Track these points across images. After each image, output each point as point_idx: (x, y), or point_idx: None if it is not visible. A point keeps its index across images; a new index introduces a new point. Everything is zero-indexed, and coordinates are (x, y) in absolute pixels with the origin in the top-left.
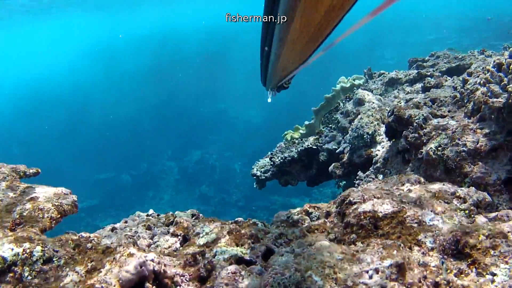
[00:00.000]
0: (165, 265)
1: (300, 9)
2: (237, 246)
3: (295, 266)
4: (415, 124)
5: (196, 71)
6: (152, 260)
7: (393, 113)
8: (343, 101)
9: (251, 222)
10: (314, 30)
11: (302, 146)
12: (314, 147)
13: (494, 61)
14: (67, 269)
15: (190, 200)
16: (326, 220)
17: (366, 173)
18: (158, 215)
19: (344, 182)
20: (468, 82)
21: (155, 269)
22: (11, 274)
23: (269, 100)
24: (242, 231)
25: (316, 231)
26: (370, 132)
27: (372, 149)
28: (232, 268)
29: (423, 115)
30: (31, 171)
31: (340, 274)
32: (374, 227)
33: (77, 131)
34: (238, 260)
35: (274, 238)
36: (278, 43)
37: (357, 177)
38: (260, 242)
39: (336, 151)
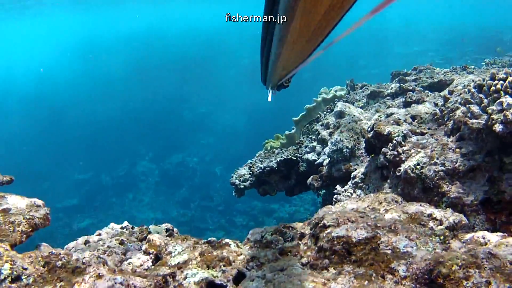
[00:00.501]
0: (134, 287)
1: (300, 8)
2: (208, 269)
3: None
4: (394, 141)
5: (179, 73)
6: (121, 283)
7: (373, 129)
8: (324, 112)
9: (223, 242)
10: (314, 29)
11: (281, 157)
12: (293, 158)
13: (475, 82)
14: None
15: (170, 203)
16: (299, 242)
17: (345, 188)
18: (132, 228)
19: (324, 191)
20: (449, 101)
21: None
22: None
23: (269, 99)
24: (214, 253)
25: (289, 253)
26: (349, 147)
27: (351, 164)
28: None
29: (402, 132)
30: (4, 179)
31: None
32: (347, 253)
33: (57, 130)
34: (209, 284)
35: (246, 261)
36: (278, 43)
37: (335, 191)
38: (232, 265)
39: (316, 162)
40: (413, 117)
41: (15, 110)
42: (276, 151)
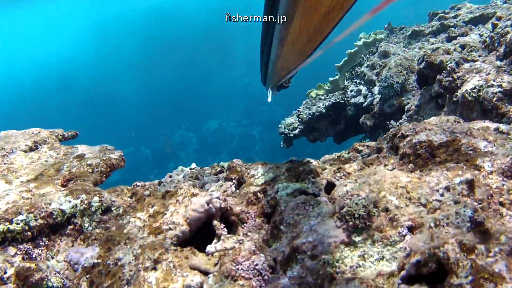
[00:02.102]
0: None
1: (300, 9)
2: (297, 182)
3: (367, 188)
4: (448, 68)
5: (203, 42)
6: (218, 198)
7: (424, 60)
8: (367, 55)
9: (305, 160)
10: (314, 30)
11: (329, 101)
12: (341, 101)
13: None
14: (128, 216)
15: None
16: (378, 155)
17: (399, 121)
18: (201, 168)
19: (368, 139)
20: (498, 26)
21: (222, 206)
22: (71, 227)
23: (269, 99)
24: (300, 168)
25: (371, 165)
26: (400, 81)
27: (403, 98)
28: (301, 198)
29: (454, 59)
30: (69, 133)
31: (413, 193)
32: (431, 156)
33: (92, 109)
34: (302, 194)
35: (333, 172)
36: (278, 43)
37: (389, 126)
38: (320, 176)
39: (363, 105)
40: (462, 47)
41: (49, 91)
42: (323, 97)
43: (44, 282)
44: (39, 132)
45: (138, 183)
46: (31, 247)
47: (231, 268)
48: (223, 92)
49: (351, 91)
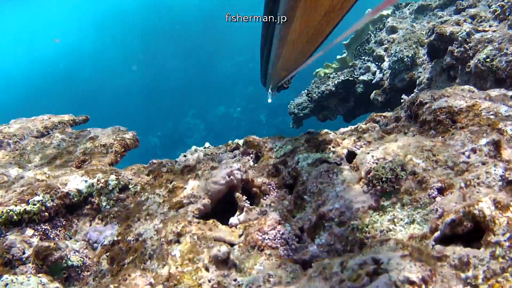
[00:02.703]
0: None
1: (300, 9)
2: (317, 152)
3: (392, 153)
4: (459, 39)
5: (206, 28)
6: (239, 169)
7: (434, 32)
8: (374, 31)
9: (323, 131)
10: (314, 30)
11: (338, 79)
12: (350, 78)
13: None
14: (146, 193)
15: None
16: (397, 124)
17: (411, 96)
18: (215, 146)
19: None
20: None
21: (243, 178)
22: (88, 206)
23: (269, 100)
24: (320, 138)
25: (390, 134)
26: (410, 55)
27: (413, 72)
28: (324, 166)
29: (465, 30)
30: (80, 118)
31: (439, 156)
32: (452, 122)
33: (97, 100)
34: (323, 163)
35: (353, 141)
36: (278, 43)
37: (402, 100)
38: (340, 146)
39: (372, 82)
40: (472, 17)
41: (52, 84)
42: (331, 76)
43: (64, 261)
44: (49, 118)
45: (154, 161)
46: (48, 227)
47: (257, 238)
48: (228, 78)
49: (360, 68)
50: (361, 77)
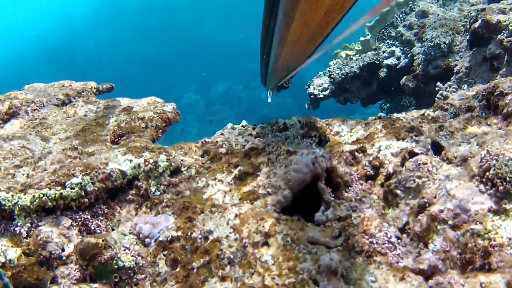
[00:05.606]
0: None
1: (300, 9)
2: (398, 140)
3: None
4: (510, 28)
5: (210, 3)
6: (323, 156)
7: (477, 19)
8: (401, 15)
9: (395, 116)
10: (314, 30)
11: (363, 61)
12: (376, 62)
13: None
14: (203, 178)
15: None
16: (472, 114)
17: (448, 83)
18: (259, 125)
19: (388, 104)
20: None
21: (328, 166)
22: (133, 191)
23: (269, 100)
24: (397, 125)
25: (470, 125)
26: (447, 42)
27: (450, 59)
28: (421, 158)
29: None
30: (104, 86)
31: None
32: None
33: (96, 73)
34: (409, 154)
35: (435, 130)
36: (278, 43)
37: (437, 88)
38: (423, 135)
39: (397, 67)
40: None
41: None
42: (354, 57)
43: (114, 262)
44: (70, 85)
45: (207, 139)
46: (88, 216)
47: (364, 242)
48: (231, 54)
49: (384, 52)
50: (385, 61)
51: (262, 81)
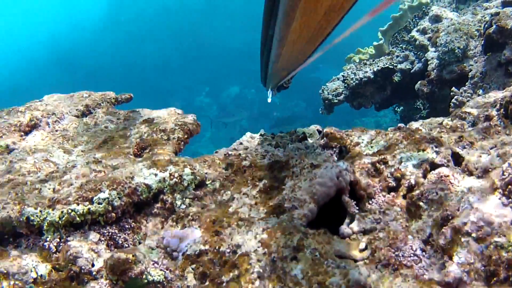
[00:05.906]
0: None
1: (300, 9)
2: (419, 151)
3: None
4: None
5: (211, 7)
6: (347, 170)
7: (491, 25)
8: (414, 19)
9: (414, 127)
10: (314, 30)
11: (378, 66)
12: (390, 66)
13: None
14: (228, 192)
15: (231, 136)
16: (490, 123)
17: (463, 88)
18: (277, 135)
19: (402, 107)
20: None
21: (352, 179)
22: (158, 205)
23: (269, 100)
24: (417, 136)
25: (485, 133)
26: (461, 47)
27: (464, 64)
28: (443, 170)
29: None
30: (123, 96)
31: None
32: None
33: (109, 77)
34: (431, 165)
35: (455, 141)
36: (278, 43)
37: (451, 93)
38: (444, 146)
39: (411, 71)
40: None
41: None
42: (368, 62)
43: (144, 276)
44: (89, 96)
45: (229, 152)
46: (116, 231)
47: (390, 255)
48: (244, 57)
49: (397, 56)
50: (399, 66)
51: (262, 81)
